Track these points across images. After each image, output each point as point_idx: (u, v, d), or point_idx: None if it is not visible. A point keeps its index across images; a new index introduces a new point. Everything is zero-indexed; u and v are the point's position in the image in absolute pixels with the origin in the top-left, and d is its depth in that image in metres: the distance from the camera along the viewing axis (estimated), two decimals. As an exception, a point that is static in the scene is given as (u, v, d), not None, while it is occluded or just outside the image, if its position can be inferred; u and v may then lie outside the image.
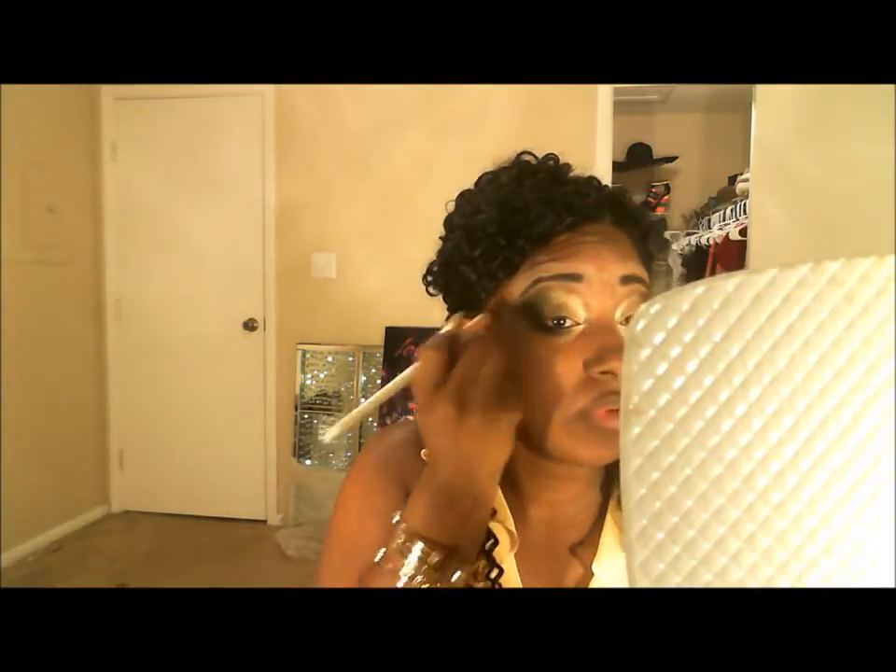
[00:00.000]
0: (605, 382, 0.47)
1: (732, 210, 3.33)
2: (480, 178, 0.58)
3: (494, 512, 0.58)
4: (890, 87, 2.23)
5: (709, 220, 3.82)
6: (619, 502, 0.58)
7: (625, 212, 0.54)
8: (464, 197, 0.58)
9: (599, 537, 0.57)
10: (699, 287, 0.29)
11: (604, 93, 2.87)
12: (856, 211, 2.40)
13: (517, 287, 0.51)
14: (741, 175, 3.28)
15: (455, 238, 0.55)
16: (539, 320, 0.49)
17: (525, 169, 0.56)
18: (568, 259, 0.49)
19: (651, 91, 4.01)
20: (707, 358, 0.29)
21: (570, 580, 0.57)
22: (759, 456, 0.29)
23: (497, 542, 0.56)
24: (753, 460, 0.29)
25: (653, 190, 4.62)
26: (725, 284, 0.29)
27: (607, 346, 0.47)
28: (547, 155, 0.57)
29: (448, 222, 0.58)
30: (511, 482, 0.58)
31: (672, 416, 0.29)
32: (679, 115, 4.59)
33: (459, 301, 0.57)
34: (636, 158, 4.55)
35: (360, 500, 0.60)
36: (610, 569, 0.56)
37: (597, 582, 0.56)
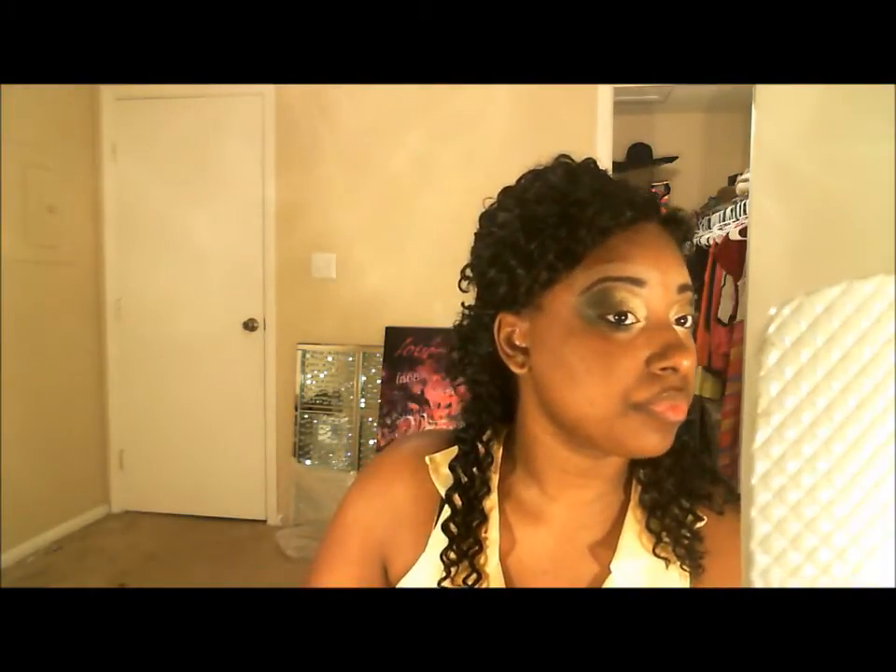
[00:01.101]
0: (666, 377, 0.50)
1: (732, 210, 3.33)
2: (522, 177, 0.58)
3: (485, 519, 0.59)
4: (890, 87, 2.22)
5: (709, 220, 3.82)
6: (639, 502, 0.59)
7: (673, 216, 0.56)
8: (507, 193, 0.58)
9: (618, 536, 0.58)
10: (835, 288, 0.28)
11: (604, 93, 2.87)
12: (856, 211, 2.40)
13: (578, 282, 0.52)
14: (741, 175, 3.28)
15: (507, 232, 0.55)
16: (602, 316, 0.51)
17: (571, 168, 0.57)
18: (633, 261, 0.51)
19: (651, 90, 4.01)
20: (837, 363, 0.28)
21: (587, 578, 0.57)
22: (884, 469, 0.28)
23: (480, 549, 0.58)
24: (878, 472, 0.28)
25: (653, 190, 4.61)
26: (862, 286, 0.28)
27: (668, 343, 0.50)
28: (587, 159, 0.58)
29: (489, 217, 0.58)
30: (536, 479, 0.59)
31: (799, 422, 0.28)
32: (679, 115, 4.59)
33: (500, 298, 0.56)
34: (636, 158, 4.54)
35: (356, 507, 0.65)
36: (628, 569, 0.57)
37: (613, 582, 0.56)
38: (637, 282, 0.50)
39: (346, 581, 0.62)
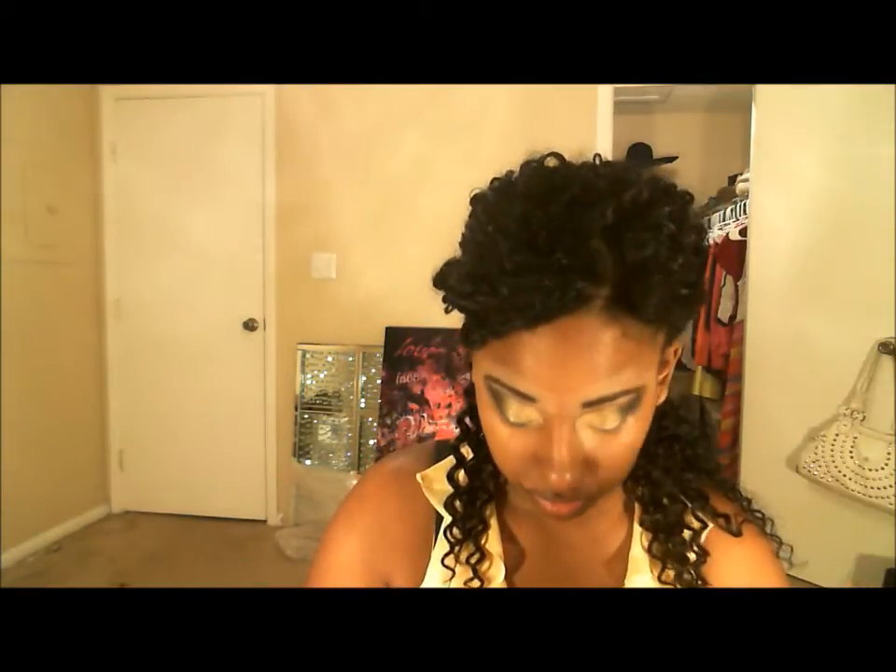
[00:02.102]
0: (554, 483, 0.46)
1: (732, 210, 3.33)
2: (480, 208, 0.48)
3: (486, 527, 0.59)
4: (890, 87, 2.22)
5: (709, 220, 3.82)
6: (645, 509, 0.58)
7: (635, 282, 0.42)
8: (468, 229, 0.50)
9: (628, 551, 0.57)
10: None
11: (604, 93, 2.86)
12: (856, 211, 2.40)
13: (481, 364, 0.48)
14: (741, 175, 3.28)
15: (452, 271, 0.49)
16: (498, 409, 0.47)
17: (528, 211, 0.43)
18: (524, 375, 0.44)
19: (651, 90, 4.01)
20: None
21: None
22: None
23: (483, 557, 0.57)
24: None
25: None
26: None
27: (555, 457, 0.45)
28: (544, 158, 0.48)
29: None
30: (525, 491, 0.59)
31: None
32: (679, 115, 4.59)
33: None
34: (636, 158, 4.54)
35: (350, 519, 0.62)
36: (641, 584, 0.56)
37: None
38: (527, 397, 0.44)
39: None
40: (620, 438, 0.46)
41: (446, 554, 0.57)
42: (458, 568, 0.56)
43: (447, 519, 0.58)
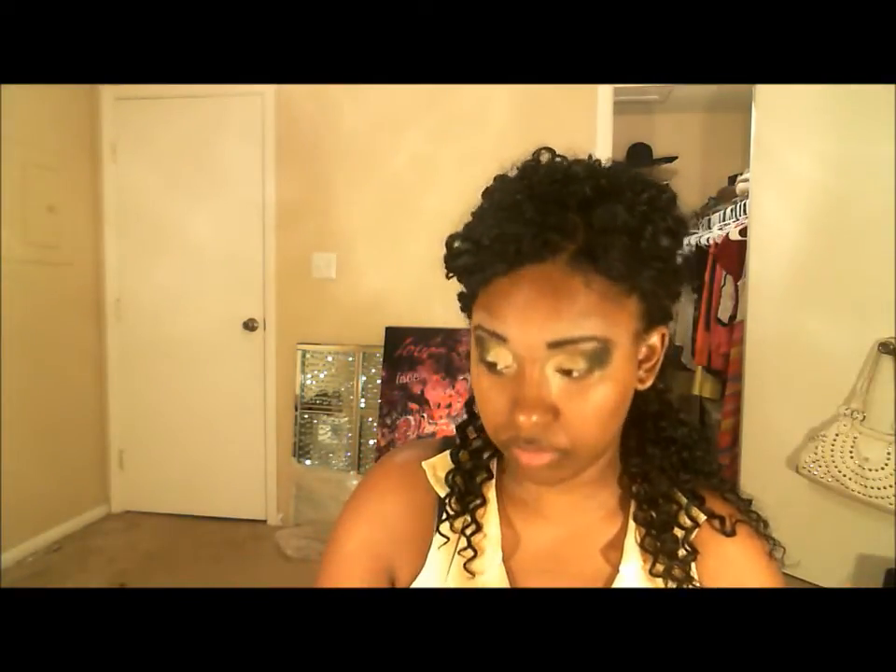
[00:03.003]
0: (521, 426, 0.49)
1: (732, 210, 3.33)
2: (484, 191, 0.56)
3: (485, 502, 0.61)
4: (890, 87, 2.22)
5: (709, 220, 3.82)
6: (640, 505, 0.59)
7: (598, 240, 0.48)
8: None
9: (623, 541, 0.59)
10: None
11: (604, 93, 2.86)
12: (856, 211, 2.40)
13: (473, 322, 0.53)
14: (741, 175, 3.28)
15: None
16: (482, 357, 0.52)
17: (504, 183, 0.53)
18: (497, 316, 0.50)
19: (651, 90, 4.01)
20: None
21: (600, 578, 0.58)
22: None
23: (478, 529, 0.59)
24: None
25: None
26: None
27: (523, 396, 0.49)
28: (555, 161, 0.54)
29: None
30: (518, 479, 0.61)
31: None
32: (679, 115, 4.59)
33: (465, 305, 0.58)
34: (636, 158, 4.54)
35: (358, 518, 0.64)
36: (635, 570, 0.57)
37: (621, 582, 0.57)
38: (499, 337, 0.50)
39: None
40: (588, 392, 0.49)
41: (441, 521, 0.60)
42: (453, 537, 0.59)
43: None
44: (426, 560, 0.60)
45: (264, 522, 3.22)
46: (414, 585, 0.60)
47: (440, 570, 0.59)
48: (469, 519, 0.60)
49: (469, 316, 0.55)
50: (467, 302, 0.54)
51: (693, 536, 0.57)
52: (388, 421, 2.96)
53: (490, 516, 0.60)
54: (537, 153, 0.54)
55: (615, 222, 0.48)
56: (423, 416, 2.93)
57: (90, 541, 3.00)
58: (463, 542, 0.59)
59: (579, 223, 0.48)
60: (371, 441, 3.07)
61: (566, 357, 0.48)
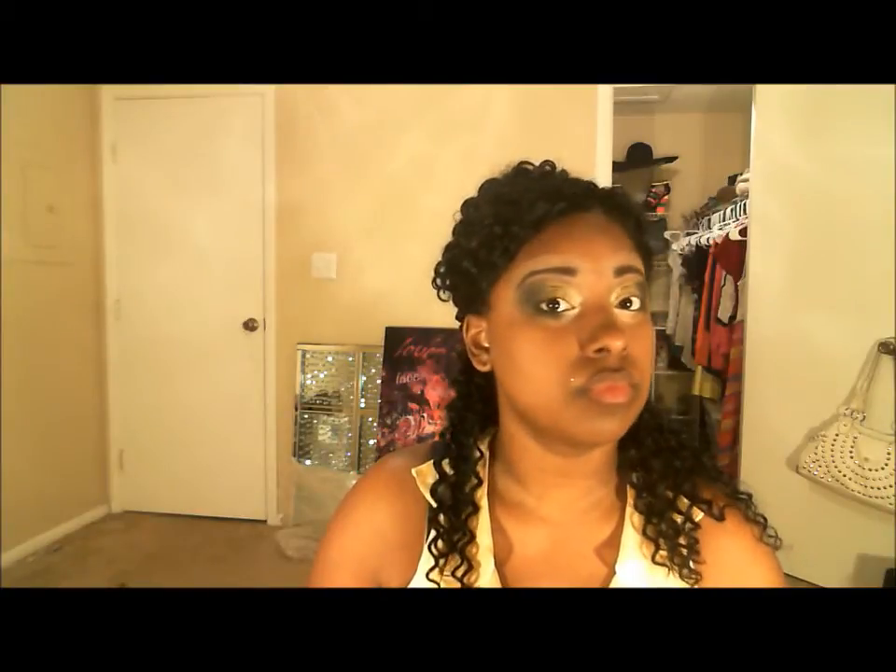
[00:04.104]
0: (601, 359, 0.50)
1: (732, 210, 3.33)
2: (481, 185, 0.60)
3: (476, 510, 0.60)
4: (890, 87, 2.22)
5: (709, 220, 3.82)
6: (635, 507, 0.59)
7: (616, 202, 0.55)
8: (467, 203, 0.60)
9: (620, 538, 0.58)
10: None
11: (604, 93, 2.86)
12: (856, 211, 2.40)
13: (515, 277, 0.53)
14: (741, 175, 3.28)
15: (459, 237, 0.58)
16: (535, 305, 0.52)
17: (521, 170, 0.59)
18: (563, 251, 0.52)
19: (651, 90, 4.01)
20: None
21: (596, 579, 0.57)
22: None
23: (471, 539, 0.58)
24: None
25: (653, 190, 4.62)
26: None
27: (600, 325, 0.50)
28: (544, 161, 0.59)
29: (454, 228, 0.60)
30: (520, 480, 0.59)
31: None
32: (679, 115, 4.59)
33: (466, 300, 0.59)
34: (636, 158, 4.54)
35: (351, 519, 0.64)
36: (632, 569, 0.57)
37: (617, 582, 0.56)
38: (567, 271, 0.51)
39: None
40: (643, 328, 0.53)
41: (433, 539, 0.58)
42: (444, 547, 0.58)
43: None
44: (417, 568, 0.59)
45: (264, 522, 3.22)
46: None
47: (429, 574, 0.58)
48: (459, 531, 0.58)
49: (474, 309, 0.58)
50: (504, 258, 0.54)
51: (692, 517, 0.57)
52: (388, 421, 2.96)
53: (482, 524, 0.59)
54: (519, 163, 0.59)
55: (629, 198, 0.57)
56: (423, 416, 2.93)
57: (90, 541, 3.00)
58: (455, 560, 0.57)
59: (601, 192, 0.55)
60: (371, 441, 3.07)
61: (625, 288, 0.52)
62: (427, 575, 0.58)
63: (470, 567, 0.57)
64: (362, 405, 3.11)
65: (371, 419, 3.08)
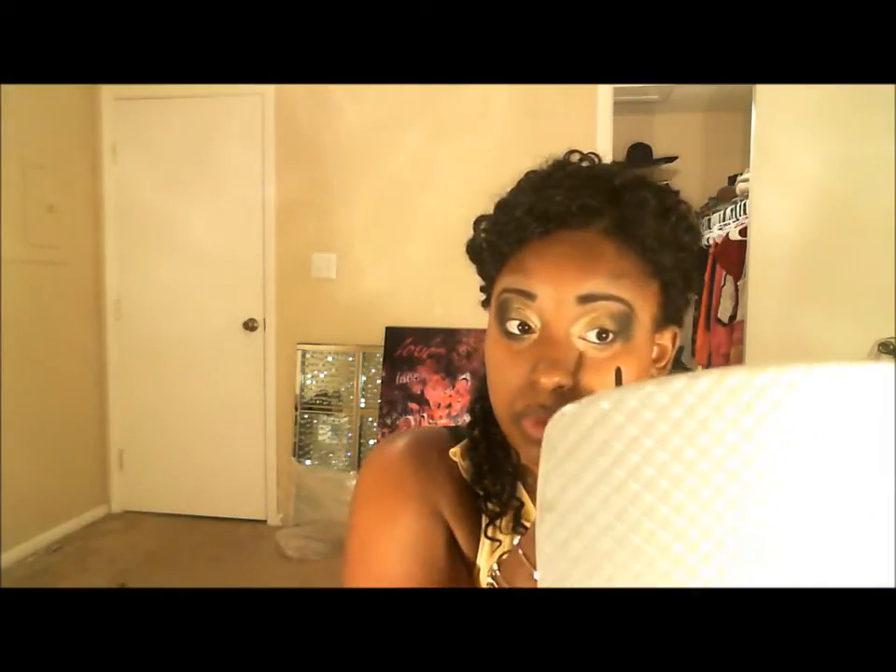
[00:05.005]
0: (539, 391, 0.48)
1: (732, 210, 3.33)
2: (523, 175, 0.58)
3: (522, 504, 0.59)
4: (890, 87, 2.22)
5: (709, 220, 3.82)
6: None
7: (628, 216, 0.51)
8: (504, 193, 0.58)
9: None
10: (604, 402, 0.32)
11: (604, 93, 2.86)
12: (856, 211, 2.40)
13: (497, 288, 0.54)
14: (741, 175, 3.28)
15: (477, 230, 0.59)
16: (503, 323, 0.52)
17: (558, 164, 0.56)
18: (529, 274, 0.50)
19: (651, 90, 4.01)
20: (615, 461, 0.33)
21: None
22: (663, 542, 0.34)
23: (522, 505, 0.58)
24: (658, 546, 0.34)
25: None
26: (629, 400, 0.32)
27: (547, 357, 0.48)
28: (584, 155, 0.57)
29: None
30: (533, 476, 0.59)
31: (582, 510, 0.33)
32: (679, 115, 4.59)
33: (483, 289, 0.60)
34: (636, 158, 4.54)
35: (376, 504, 0.59)
36: None
37: None
38: (528, 295, 0.50)
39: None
40: (610, 364, 0.48)
41: (487, 525, 0.57)
42: (504, 538, 0.57)
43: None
44: (478, 539, 0.57)
45: (264, 522, 3.22)
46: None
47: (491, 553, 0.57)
48: (509, 505, 0.57)
49: (486, 303, 0.57)
50: (491, 278, 0.55)
51: None
52: (388, 421, 2.96)
53: (523, 495, 0.58)
54: (568, 153, 0.56)
55: (645, 204, 0.51)
56: (423, 416, 2.93)
57: (90, 541, 3.00)
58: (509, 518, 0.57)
59: (613, 201, 0.51)
60: (371, 441, 3.07)
61: (594, 317, 0.49)
62: (486, 532, 0.57)
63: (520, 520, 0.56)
64: (362, 405, 3.11)
65: (371, 419, 3.08)
